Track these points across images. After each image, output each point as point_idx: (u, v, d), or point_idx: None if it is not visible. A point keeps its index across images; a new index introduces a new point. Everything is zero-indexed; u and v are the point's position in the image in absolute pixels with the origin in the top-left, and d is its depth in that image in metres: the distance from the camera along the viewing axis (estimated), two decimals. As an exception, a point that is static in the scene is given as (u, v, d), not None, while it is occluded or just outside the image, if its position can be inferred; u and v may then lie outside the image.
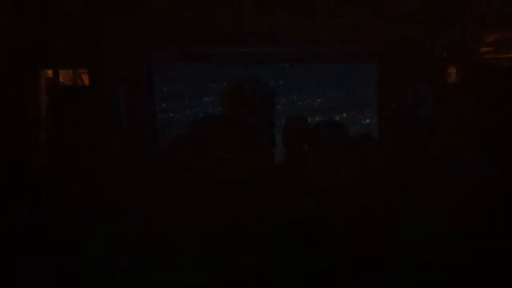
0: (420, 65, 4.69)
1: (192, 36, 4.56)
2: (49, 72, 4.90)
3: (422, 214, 2.95)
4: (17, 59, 4.30)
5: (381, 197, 2.81)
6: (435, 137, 4.48)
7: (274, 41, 4.70)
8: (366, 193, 2.74)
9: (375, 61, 4.94)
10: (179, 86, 5.17)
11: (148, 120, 4.77)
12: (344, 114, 4.82)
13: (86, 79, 5.12)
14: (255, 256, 2.21)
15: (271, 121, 2.46)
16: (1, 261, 2.79)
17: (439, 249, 2.79)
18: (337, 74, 5.07)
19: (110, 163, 4.21)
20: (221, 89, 2.45)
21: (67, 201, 3.77)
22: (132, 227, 2.79)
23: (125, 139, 4.48)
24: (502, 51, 5.37)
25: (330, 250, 2.25)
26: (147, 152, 4.40)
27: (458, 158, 4.25)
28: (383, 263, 2.52)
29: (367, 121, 4.96)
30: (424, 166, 4.00)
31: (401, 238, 2.71)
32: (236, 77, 4.10)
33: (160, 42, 4.63)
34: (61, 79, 5.16)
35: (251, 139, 2.35)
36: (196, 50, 4.82)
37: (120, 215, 3.02)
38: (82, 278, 2.61)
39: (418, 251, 2.72)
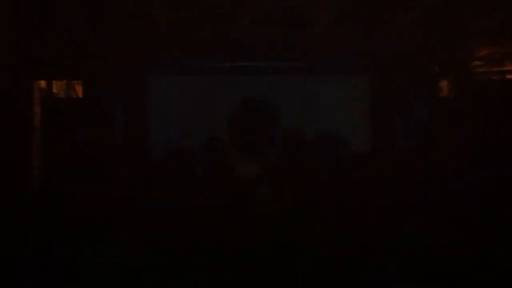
0: (414, 78, 4.72)
1: (189, 49, 4.57)
2: (43, 83, 4.90)
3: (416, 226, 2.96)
4: (11, 69, 4.29)
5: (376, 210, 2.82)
6: (430, 149, 4.50)
7: (270, 54, 4.72)
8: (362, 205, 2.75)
9: (370, 74, 4.97)
10: (175, 98, 5.16)
11: (143, 131, 4.77)
12: (339, 127, 4.82)
13: (79, 90, 5.11)
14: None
15: (275, 137, 2.50)
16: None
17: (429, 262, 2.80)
18: (332, 87, 5.09)
19: (106, 172, 4.20)
20: (229, 110, 2.49)
21: (60, 208, 3.75)
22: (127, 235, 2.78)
23: (120, 150, 4.47)
24: (494, 65, 5.43)
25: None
26: (142, 163, 4.39)
27: (453, 169, 4.28)
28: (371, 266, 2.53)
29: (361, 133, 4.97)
30: (420, 178, 4.02)
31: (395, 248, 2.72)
32: (236, 92, 4.11)
33: (157, 54, 4.64)
34: (54, 90, 5.15)
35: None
36: (193, 63, 4.83)
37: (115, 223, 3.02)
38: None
39: (410, 261, 2.73)
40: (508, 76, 5.01)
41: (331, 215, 2.39)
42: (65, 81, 4.97)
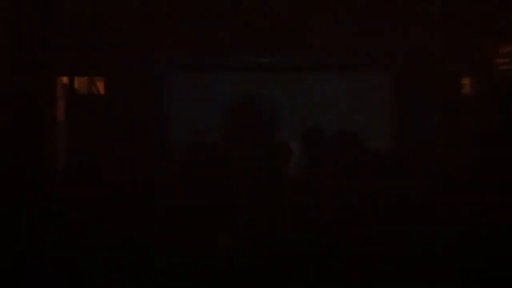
0: (435, 76, 4.68)
1: (202, 45, 4.59)
2: (65, 79, 4.96)
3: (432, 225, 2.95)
4: (33, 65, 4.35)
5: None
6: (449, 149, 4.46)
7: (285, 49, 4.71)
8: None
9: (390, 72, 4.93)
10: (194, 95, 5.18)
11: (159, 128, 4.80)
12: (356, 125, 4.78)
13: (101, 86, 5.17)
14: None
15: (273, 135, 2.48)
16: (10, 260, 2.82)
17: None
18: (350, 84, 5.05)
19: (126, 169, 4.23)
20: (225, 107, 2.48)
21: (82, 205, 3.79)
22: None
23: (137, 146, 4.51)
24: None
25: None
26: (158, 159, 4.42)
27: (470, 169, 4.23)
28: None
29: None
30: (439, 178, 3.99)
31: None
32: (241, 90, 4.10)
33: (171, 51, 4.66)
34: (76, 86, 5.22)
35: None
36: (206, 59, 4.84)
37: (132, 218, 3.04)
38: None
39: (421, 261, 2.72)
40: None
41: (346, 215, 2.39)
42: (86, 77, 5.02)
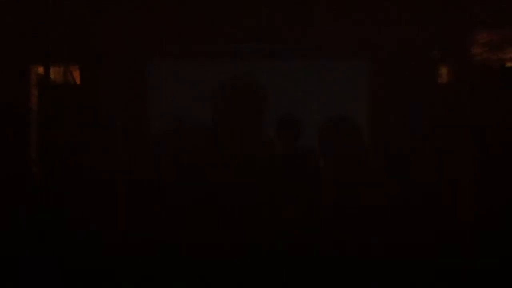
0: (413, 65, 4.69)
1: (189, 34, 4.54)
2: (40, 69, 4.87)
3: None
4: (8, 54, 4.27)
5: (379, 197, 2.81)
6: (429, 138, 4.49)
7: (266, 38, 4.68)
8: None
9: (367, 60, 4.93)
10: (175, 83, 5.13)
11: (143, 119, 4.74)
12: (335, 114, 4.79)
13: (77, 76, 5.08)
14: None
15: (262, 118, 2.45)
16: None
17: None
18: (328, 73, 5.05)
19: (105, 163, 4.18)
20: (214, 89, 2.44)
21: (59, 199, 3.75)
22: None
23: (119, 138, 4.45)
24: (495, 52, 5.39)
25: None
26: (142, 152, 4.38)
27: (453, 158, 4.26)
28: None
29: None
30: (418, 167, 4.01)
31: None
32: (230, 75, 4.06)
33: (156, 38, 4.61)
34: (51, 76, 5.12)
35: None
36: (192, 48, 4.79)
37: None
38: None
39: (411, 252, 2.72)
40: (509, 64, 4.98)
41: (326, 210, 2.37)
42: (62, 66, 4.93)
